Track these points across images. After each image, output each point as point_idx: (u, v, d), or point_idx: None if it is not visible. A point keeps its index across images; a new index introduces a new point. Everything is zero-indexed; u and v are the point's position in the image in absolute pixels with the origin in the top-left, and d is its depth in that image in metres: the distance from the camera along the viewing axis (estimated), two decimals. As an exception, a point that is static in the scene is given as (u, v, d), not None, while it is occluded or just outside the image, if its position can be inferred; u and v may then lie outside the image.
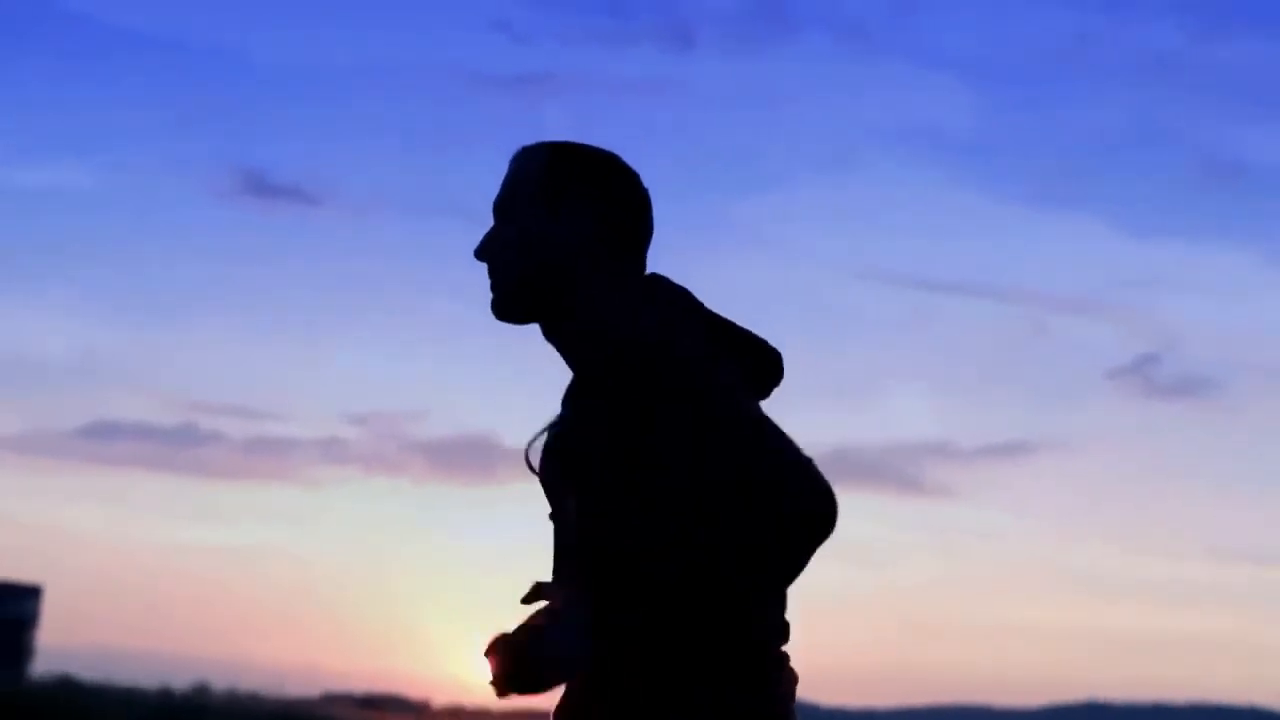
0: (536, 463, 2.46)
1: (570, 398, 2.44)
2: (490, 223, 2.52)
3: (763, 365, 2.42)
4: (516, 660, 2.26)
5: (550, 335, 2.47)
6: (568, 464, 2.37)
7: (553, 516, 2.44)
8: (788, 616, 2.36)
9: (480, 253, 2.49)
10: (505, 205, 2.49)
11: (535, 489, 2.50)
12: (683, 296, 2.42)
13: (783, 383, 2.45)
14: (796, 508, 2.19)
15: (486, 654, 2.29)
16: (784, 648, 2.33)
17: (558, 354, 2.48)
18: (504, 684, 2.27)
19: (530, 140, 2.53)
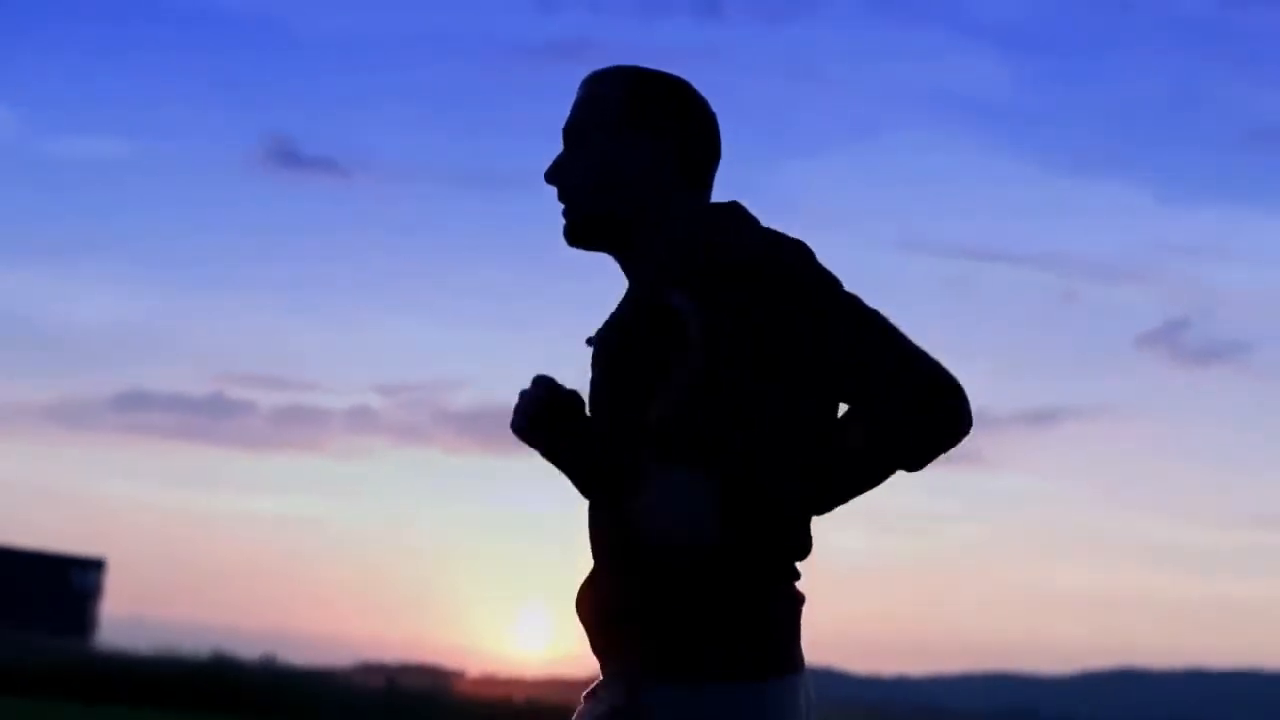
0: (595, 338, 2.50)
1: (639, 301, 2.45)
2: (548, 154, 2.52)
3: None
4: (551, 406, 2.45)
5: (626, 262, 2.49)
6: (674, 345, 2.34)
7: (618, 397, 2.42)
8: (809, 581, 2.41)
9: (551, 177, 2.50)
10: (577, 130, 2.49)
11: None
12: (755, 221, 2.46)
13: None
14: (931, 402, 2.28)
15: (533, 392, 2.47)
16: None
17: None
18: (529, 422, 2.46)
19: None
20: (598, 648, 2.43)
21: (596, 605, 2.41)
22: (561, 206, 2.49)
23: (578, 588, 2.46)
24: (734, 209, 2.46)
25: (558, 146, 2.51)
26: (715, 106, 2.51)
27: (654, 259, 2.44)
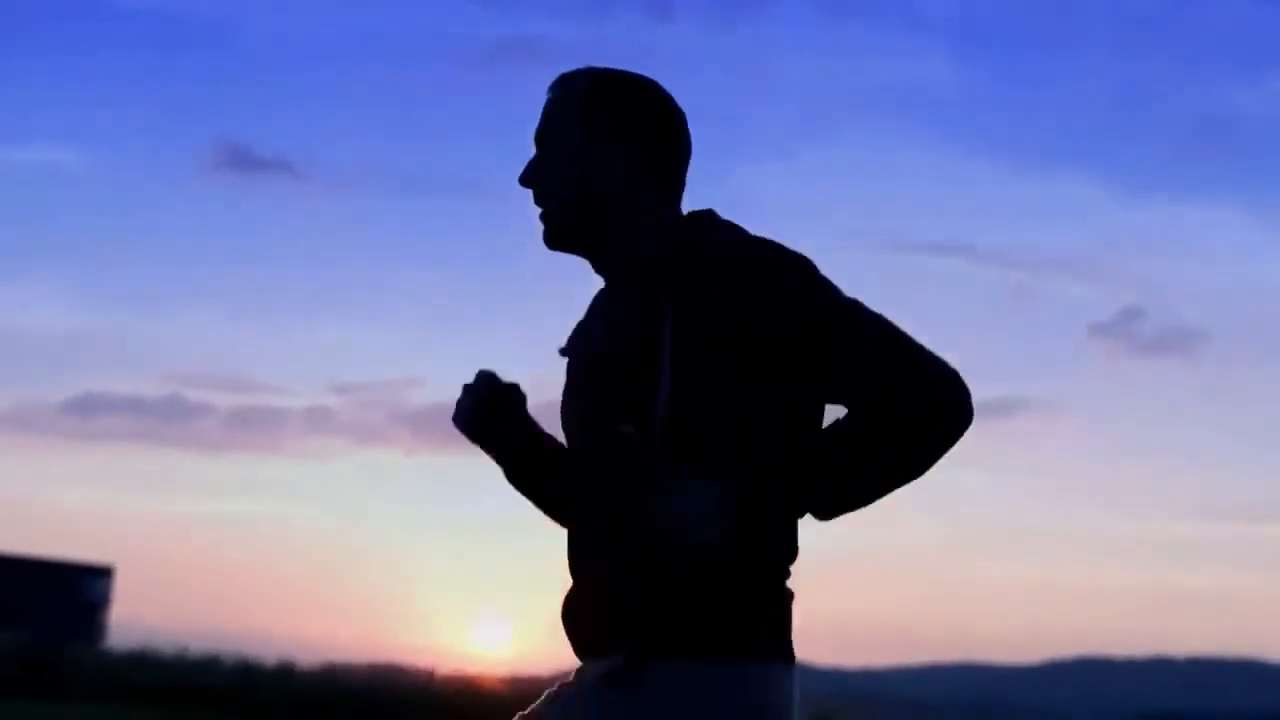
0: (567, 347, 2.55)
1: (613, 302, 2.48)
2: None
3: None
4: (487, 400, 2.49)
5: (600, 266, 2.50)
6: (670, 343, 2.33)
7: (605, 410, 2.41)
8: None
9: (525, 180, 2.49)
10: (548, 133, 2.49)
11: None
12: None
13: None
14: (939, 399, 2.29)
15: (474, 384, 2.51)
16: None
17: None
18: (469, 419, 2.52)
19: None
20: (587, 645, 2.40)
21: (590, 606, 2.38)
22: (538, 210, 2.48)
23: (562, 600, 2.44)
24: (709, 216, 2.45)
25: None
26: None
27: (631, 262, 2.43)
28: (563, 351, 2.52)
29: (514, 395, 2.51)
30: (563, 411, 2.51)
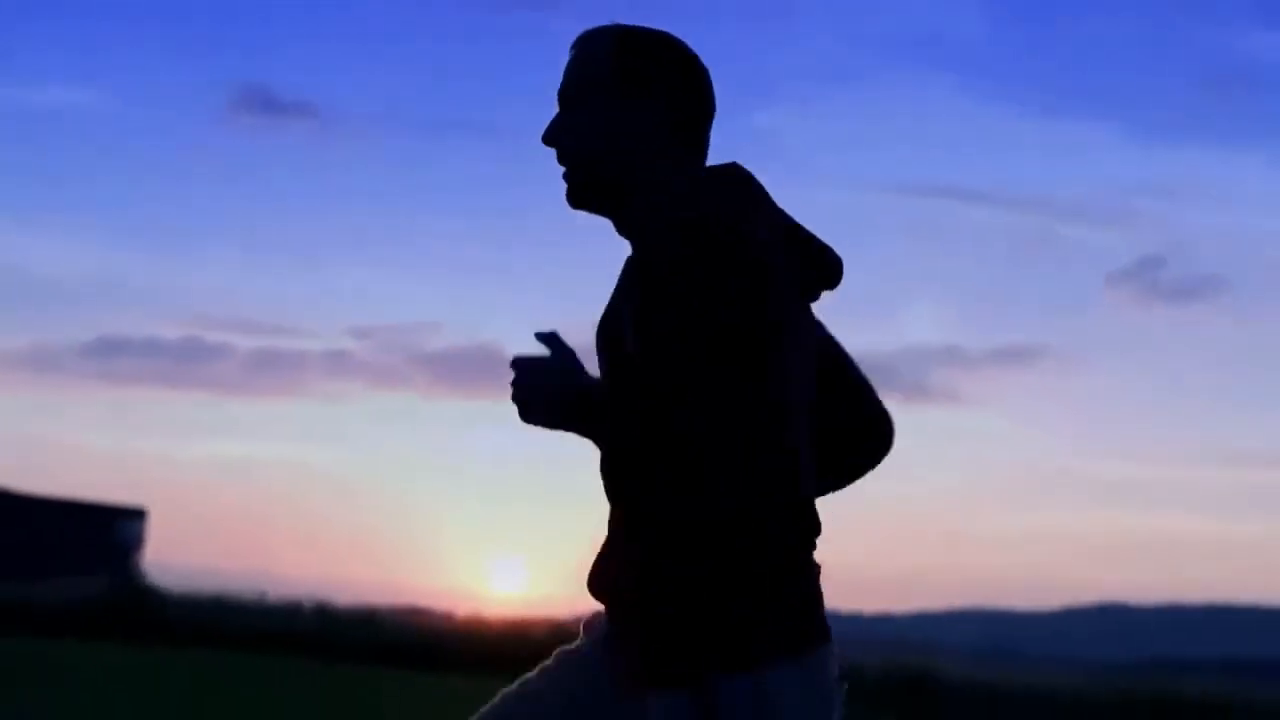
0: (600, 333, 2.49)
1: (632, 273, 2.40)
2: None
3: (818, 267, 2.43)
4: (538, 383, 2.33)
5: (621, 226, 2.47)
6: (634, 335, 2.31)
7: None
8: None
9: (549, 139, 2.48)
10: (572, 92, 2.47)
11: None
12: (753, 184, 2.42)
13: (840, 281, 2.45)
14: (864, 425, 2.47)
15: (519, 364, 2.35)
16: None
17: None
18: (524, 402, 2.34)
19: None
20: (621, 626, 2.40)
21: (623, 589, 2.37)
22: (562, 170, 2.46)
23: (590, 568, 2.44)
24: (734, 171, 2.42)
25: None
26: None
27: (646, 232, 2.40)
28: (539, 336, 2.40)
29: (564, 386, 2.35)
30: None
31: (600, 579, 2.43)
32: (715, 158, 2.47)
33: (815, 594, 2.35)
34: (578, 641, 2.50)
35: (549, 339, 2.36)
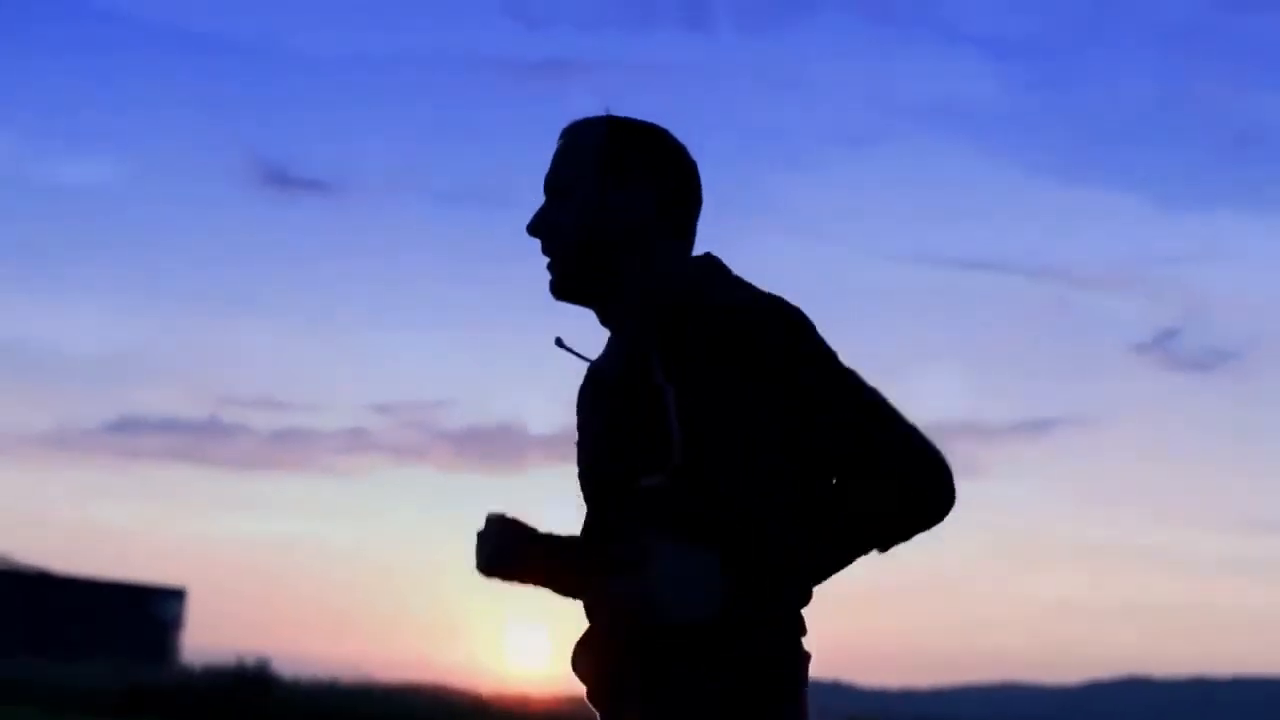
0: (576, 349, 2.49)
1: (628, 345, 2.41)
2: (530, 206, 2.49)
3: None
4: (505, 541, 2.35)
5: (605, 317, 2.46)
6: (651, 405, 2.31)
7: (604, 458, 2.42)
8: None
9: (534, 229, 2.45)
10: (559, 181, 2.45)
11: (562, 477, 2.48)
12: (729, 272, 2.43)
13: None
14: (923, 483, 2.29)
15: (485, 529, 2.37)
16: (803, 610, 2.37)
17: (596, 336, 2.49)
18: (492, 561, 2.36)
19: (549, 126, 2.50)
20: (600, 707, 2.40)
21: (598, 674, 2.38)
22: (546, 260, 2.44)
23: (573, 646, 2.42)
24: (709, 264, 2.42)
25: (546, 162, 2.48)
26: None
27: (636, 316, 2.39)
28: (559, 342, 2.47)
29: (530, 534, 2.38)
30: (580, 460, 2.47)
31: (581, 664, 2.42)
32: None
33: (798, 682, 2.32)
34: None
35: (561, 345, 2.46)
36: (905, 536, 2.34)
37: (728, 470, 2.28)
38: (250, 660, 22.52)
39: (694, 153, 2.48)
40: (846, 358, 2.34)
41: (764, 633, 2.29)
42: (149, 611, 34.14)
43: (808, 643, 2.35)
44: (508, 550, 2.37)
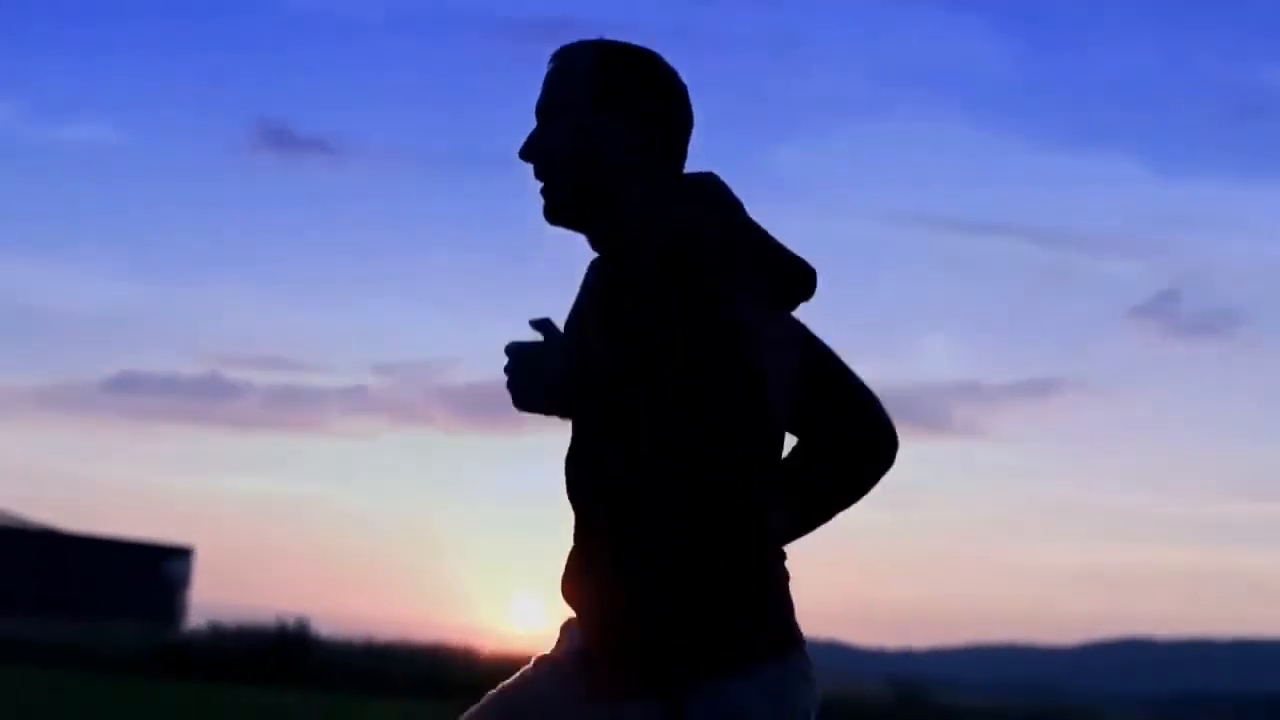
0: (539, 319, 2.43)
1: (599, 274, 2.44)
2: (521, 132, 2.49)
3: (789, 276, 2.41)
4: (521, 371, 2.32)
5: (597, 239, 2.46)
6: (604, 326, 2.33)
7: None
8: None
9: (526, 153, 2.46)
10: (550, 105, 2.46)
11: (563, 434, 2.46)
12: (726, 192, 2.43)
13: (814, 295, 2.43)
14: (863, 436, 2.42)
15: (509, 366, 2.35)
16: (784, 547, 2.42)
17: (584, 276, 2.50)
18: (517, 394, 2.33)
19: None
20: (592, 633, 2.40)
21: (599, 608, 2.37)
22: (539, 185, 2.45)
23: (561, 575, 2.43)
24: (708, 182, 2.42)
25: None
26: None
27: (629, 234, 2.38)
28: (533, 322, 2.39)
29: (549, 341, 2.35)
30: None
31: (570, 586, 2.44)
32: (735, 189, 2.44)
33: (783, 601, 2.37)
34: (555, 646, 2.50)
35: (542, 325, 2.36)
36: (861, 493, 2.47)
37: (697, 394, 2.26)
38: (290, 620, 22.45)
39: (697, 119, 2.49)
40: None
41: (751, 548, 2.33)
42: (156, 570, 34.16)
43: (796, 604, 2.39)
44: (523, 391, 2.34)
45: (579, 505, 2.42)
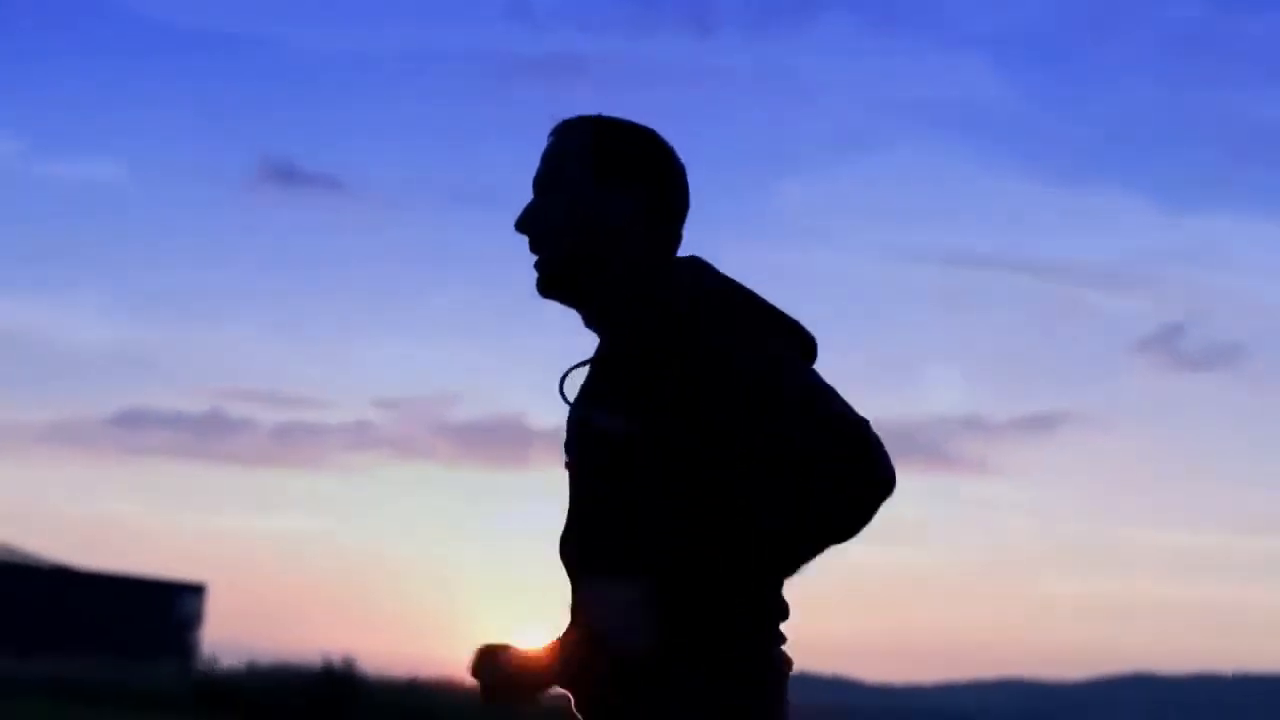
0: (570, 395, 2.46)
1: (601, 366, 2.43)
2: (520, 203, 2.49)
3: (806, 342, 2.39)
4: (500, 673, 2.36)
5: (591, 318, 2.46)
6: (610, 446, 2.32)
7: (579, 479, 2.42)
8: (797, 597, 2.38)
9: (522, 225, 2.45)
10: (549, 179, 2.45)
11: (565, 472, 2.45)
12: (722, 277, 2.41)
13: (816, 361, 2.39)
14: (856, 473, 2.19)
15: (473, 668, 2.40)
16: (782, 627, 2.36)
17: (590, 333, 2.49)
18: (490, 696, 2.37)
19: (554, 124, 2.51)
20: (580, 707, 2.39)
21: (583, 681, 2.36)
22: (533, 258, 2.44)
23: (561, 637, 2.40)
24: (695, 264, 2.41)
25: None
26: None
27: (624, 317, 2.37)
28: (566, 399, 2.44)
29: (502, 669, 2.38)
30: (569, 469, 2.44)
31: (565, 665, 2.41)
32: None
33: (775, 690, 2.33)
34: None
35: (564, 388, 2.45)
36: (848, 528, 2.25)
37: (668, 504, 2.27)
38: (336, 660, 22.45)
39: (698, 155, 2.50)
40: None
41: (723, 646, 2.28)
42: (168, 608, 34.18)
43: (803, 639, 2.36)
44: (491, 690, 2.38)
45: (573, 577, 2.42)
